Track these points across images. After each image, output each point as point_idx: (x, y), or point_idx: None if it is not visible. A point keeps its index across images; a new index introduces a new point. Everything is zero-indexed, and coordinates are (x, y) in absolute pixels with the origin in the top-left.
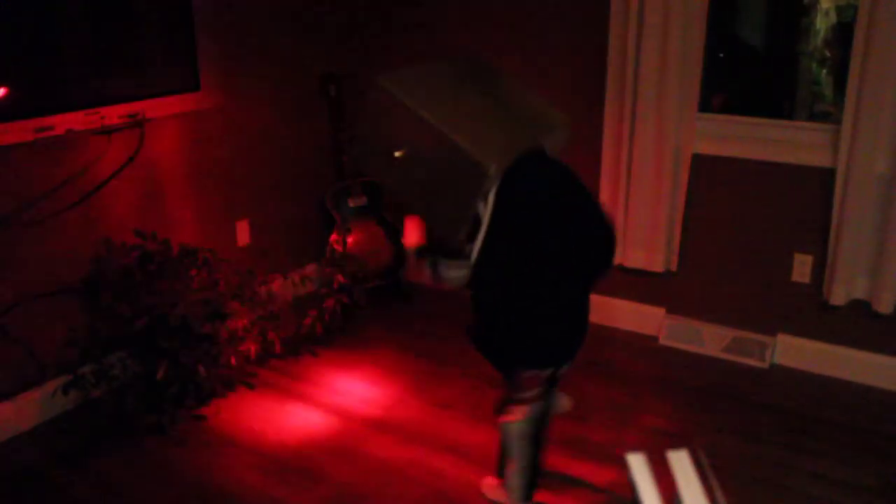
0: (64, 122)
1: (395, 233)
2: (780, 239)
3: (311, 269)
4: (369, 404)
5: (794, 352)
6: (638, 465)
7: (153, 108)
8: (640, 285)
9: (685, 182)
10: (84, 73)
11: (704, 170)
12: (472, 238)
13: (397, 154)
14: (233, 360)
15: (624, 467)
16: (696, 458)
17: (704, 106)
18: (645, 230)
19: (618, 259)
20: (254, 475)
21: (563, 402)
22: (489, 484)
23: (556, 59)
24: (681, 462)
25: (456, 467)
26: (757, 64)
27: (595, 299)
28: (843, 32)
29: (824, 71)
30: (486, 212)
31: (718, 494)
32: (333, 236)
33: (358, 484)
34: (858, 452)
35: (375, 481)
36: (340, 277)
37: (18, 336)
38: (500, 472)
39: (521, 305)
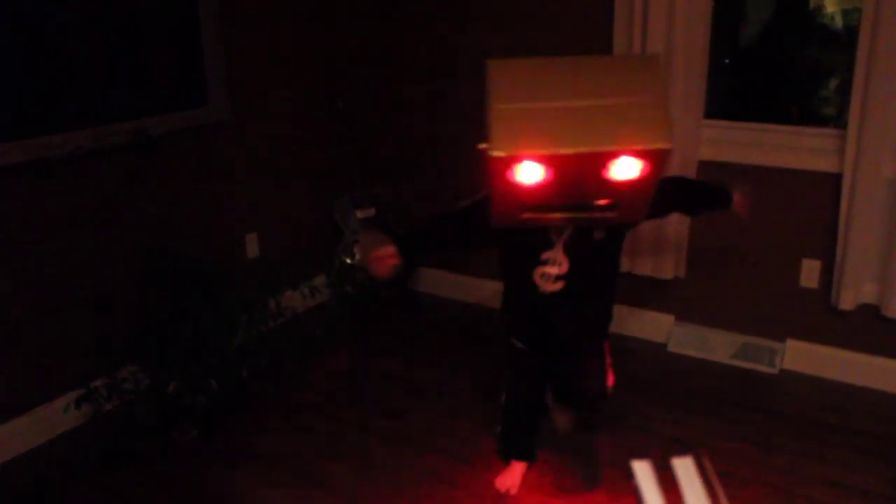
0: (72, 140)
1: None
2: (788, 244)
3: (320, 280)
4: (380, 415)
5: (803, 357)
6: (643, 472)
7: (161, 123)
8: (649, 292)
9: None
10: (92, 90)
11: (711, 176)
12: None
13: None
14: (244, 373)
15: (630, 475)
16: (700, 466)
17: (709, 112)
18: (653, 237)
19: (626, 266)
20: (267, 488)
21: None
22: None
23: None
24: (685, 469)
25: (466, 474)
26: (762, 69)
27: None
28: (848, 36)
29: (829, 75)
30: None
31: (723, 501)
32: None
33: (371, 494)
34: (870, 458)
35: (388, 491)
36: (349, 289)
37: (31, 351)
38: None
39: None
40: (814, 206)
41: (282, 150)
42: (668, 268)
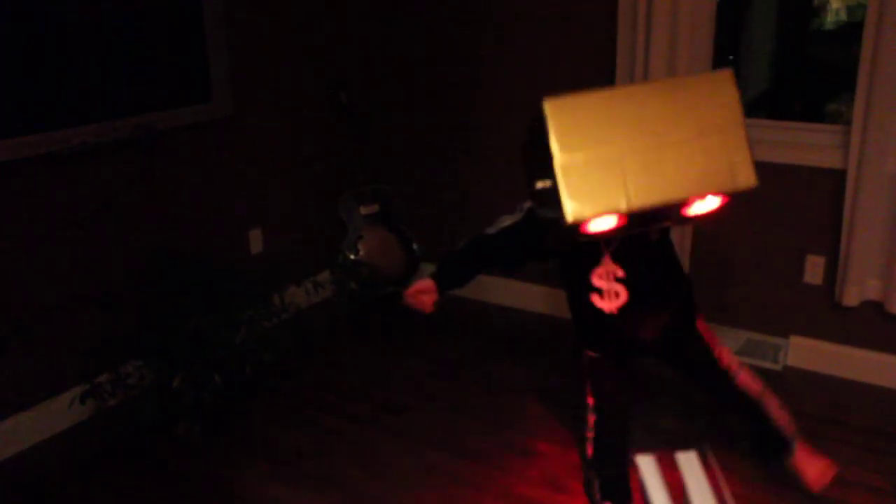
0: (76, 135)
1: (408, 240)
2: (792, 241)
3: (324, 276)
4: (383, 410)
5: (806, 354)
6: (647, 466)
7: (165, 119)
8: None
9: None
10: (97, 86)
11: None
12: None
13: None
14: (248, 369)
15: (634, 469)
16: (704, 460)
17: None
18: None
19: None
20: (270, 484)
21: None
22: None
23: (563, 64)
24: (689, 464)
25: (468, 470)
26: (767, 66)
27: None
28: (853, 32)
29: (834, 72)
30: None
31: (727, 495)
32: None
33: (374, 490)
34: (874, 454)
35: (391, 487)
36: (353, 284)
37: (36, 346)
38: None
39: None
40: (818, 202)
41: (285, 146)
42: None
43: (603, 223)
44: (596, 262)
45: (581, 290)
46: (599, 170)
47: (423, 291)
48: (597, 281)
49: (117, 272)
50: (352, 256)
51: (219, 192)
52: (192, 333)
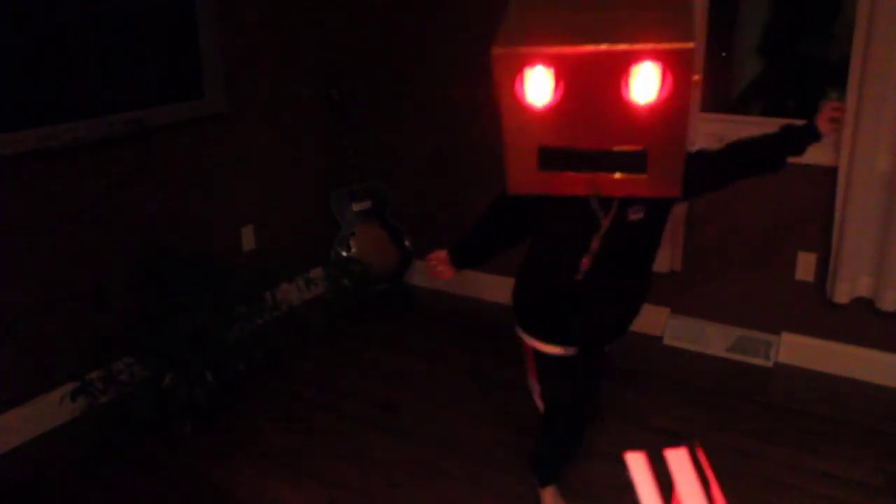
0: (69, 131)
1: (400, 236)
2: (784, 238)
3: (316, 272)
4: (375, 407)
5: (798, 350)
6: (637, 464)
7: (157, 115)
8: None
9: None
10: (88, 81)
11: None
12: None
13: None
14: (241, 366)
15: (624, 467)
16: (694, 457)
17: (706, 106)
18: None
19: None
20: (264, 481)
21: None
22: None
23: None
24: (679, 461)
25: (461, 468)
26: (759, 62)
27: None
28: (845, 29)
29: (826, 68)
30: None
31: (717, 493)
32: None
33: (369, 488)
34: (865, 450)
35: (383, 483)
36: (346, 281)
37: (27, 343)
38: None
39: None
40: (810, 199)
41: (278, 143)
42: (665, 261)
43: (537, 87)
44: (596, 228)
45: (569, 255)
46: (544, 21)
47: (436, 260)
48: (595, 243)
49: (108, 268)
50: (344, 253)
51: (211, 189)
52: (185, 330)
